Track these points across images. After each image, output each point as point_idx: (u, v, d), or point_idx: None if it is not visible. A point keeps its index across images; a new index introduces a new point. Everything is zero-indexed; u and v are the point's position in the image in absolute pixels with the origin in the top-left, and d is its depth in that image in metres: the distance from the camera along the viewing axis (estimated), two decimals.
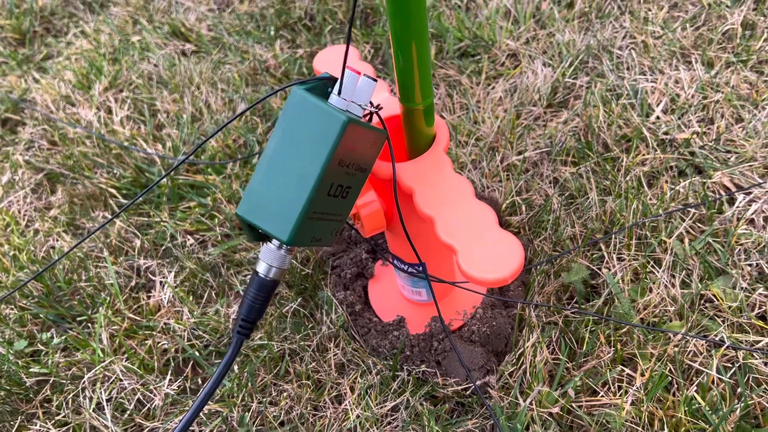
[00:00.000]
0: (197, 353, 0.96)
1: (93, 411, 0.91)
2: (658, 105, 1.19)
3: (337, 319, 0.94)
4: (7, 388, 0.95)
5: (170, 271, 1.05)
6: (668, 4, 1.39)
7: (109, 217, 1.15)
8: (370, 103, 0.71)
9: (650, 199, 1.04)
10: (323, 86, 0.68)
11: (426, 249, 0.84)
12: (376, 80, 0.68)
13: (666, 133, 1.14)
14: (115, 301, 1.03)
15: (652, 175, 1.09)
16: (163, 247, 1.10)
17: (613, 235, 0.99)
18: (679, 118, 1.16)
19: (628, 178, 1.07)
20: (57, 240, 1.14)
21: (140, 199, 1.17)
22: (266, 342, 0.94)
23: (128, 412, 0.91)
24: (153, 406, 0.92)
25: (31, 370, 0.97)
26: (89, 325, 1.01)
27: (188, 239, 1.10)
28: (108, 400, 0.92)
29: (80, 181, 1.22)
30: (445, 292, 0.96)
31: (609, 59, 1.28)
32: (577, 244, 0.99)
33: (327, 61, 0.90)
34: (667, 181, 1.07)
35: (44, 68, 1.51)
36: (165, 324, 0.99)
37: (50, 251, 1.12)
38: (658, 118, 1.18)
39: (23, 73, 1.50)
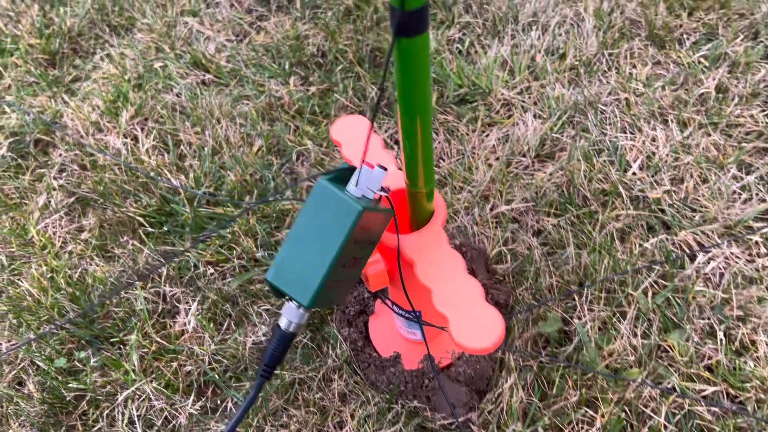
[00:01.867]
0: (217, 376, 1.10)
1: (125, 426, 1.05)
2: (635, 162, 1.33)
3: (341, 354, 1.08)
4: (50, 401, 1.08)
5: (194, 300, 1.19)
6: (652, 62, 1.52)
7: (137, 244, 1.28)
8: (381, 187, 0.84)
9: (621, 254, 1.18)
10: (343, 174, 0.82)
11: (421, 299, 0.97)
12: (386, 169, 0.81)
13: (641, 191, 1.27)
14: (144, 326, 1.16)
15: (624, 230, 1.22)
16: (188, 276, 1.23)
17: (586, 288, 1.13)
18: (653, 176, 1.30)
19: (602, 233, 1.21)
20: (89, 264, 1.27)
21: (165, 228, 1.30)
22: (278, 371, 1.07)
23: (156, 428, 1.05)
24: (178, 423, 1.06)
25: (70, 385, 1.10)
26: (121, 346, 1.15)
27: (209, 269, 1.23)
28: (138, 416, 1.06)
29: (110, 207, 1.35)
30: (436, 332, 1.09)
31: (594, 114, 1.42)
32: (554, 294, 1.13)
33: (343, 132, 1.02)
34: (637, 237, 1.21)
35: (73, 90, 1.63)
36: (189, 349, 1.12)
37: (84, 273, 1.25)
38: (634, 174, 1.31)
39: (53, 95, 1.61)
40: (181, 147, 1.45)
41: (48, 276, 1.25)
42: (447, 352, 1.08)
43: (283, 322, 0.82)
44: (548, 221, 1.25)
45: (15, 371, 1.14)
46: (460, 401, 1.01)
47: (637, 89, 1.46)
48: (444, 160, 1.39)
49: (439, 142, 1.42)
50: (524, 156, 1.37)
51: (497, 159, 1.37)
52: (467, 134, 1.43)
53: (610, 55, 1.54)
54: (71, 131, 1.51)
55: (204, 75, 1.61)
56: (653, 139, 1.36)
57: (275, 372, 0.96)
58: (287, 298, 0.79)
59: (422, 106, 0.75)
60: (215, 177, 1.38)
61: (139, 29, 1.76)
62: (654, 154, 1.34)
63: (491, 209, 1.28)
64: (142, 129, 1.48)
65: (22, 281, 1.24)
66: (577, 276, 1.16)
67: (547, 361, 1.05)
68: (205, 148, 1.43)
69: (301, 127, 1.47)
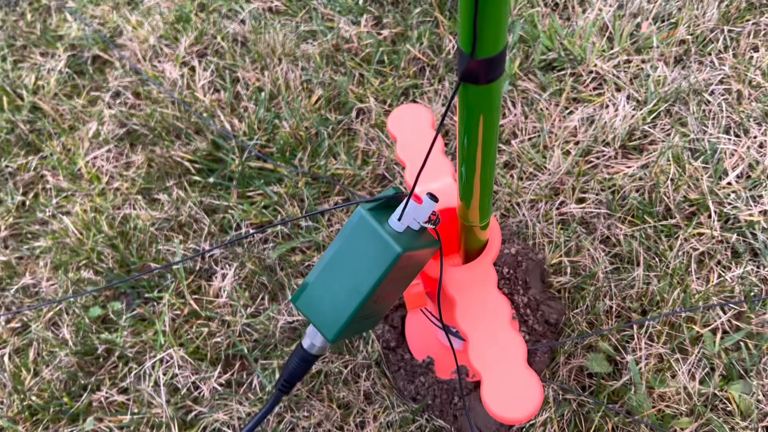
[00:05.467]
0: (246, 350, 1.08)
1: (150, 387, 1.05)
2: (733, 170, 1.17)
3: (372, 353, 1.03)
4: (82, 351, 1.09)
5: (231, 264, 1.15)
6: None
7: (182, 194, 1.23)
8: (429, 217, 0.75)
9: (695, 284, 1.05)
10: (388, 202, 0.73)
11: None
12: (437, 200, 0.71)
13: (734, 207, 1.12)
14: (179, 285, 1.13)
15: (705, 254, 1.09)
16: (228, 236, 1.18)
17: (648, 321, 1.02)
18: (751, 190, 1.14)
19: (680, 254, 1.08)
20: (132, 207, 1.23)
21: (211, 180, 1.25)
22: None
23: (180, 395, 1.05)
24: (201, 395, 1.05)
25: (102, 336, 1.10)
26: (155, 303, 1.13)
27: (251, 231, 1.18)
28: (164, 382, 1.06)
29: (159, 145, 1.29)
30: None
31: (696, 106, 1.24)
32: (611, 322, 1.03)
33: (401, 125, 0.91)
34: (718, 264, 1.08)
35: (136, 3, 1.54)
36: (221, 317, 1.10)
37: (126, 217, 1.22)
38: (729, 184, 1.15)
39: (115, 5, 1.53)
40: (238, 86, 1.36)
41: (92, 216, 1.22)
42: None
43: (306, 342, 0.78)
44: (621, 229, 1.12)
45: (51, 313, 1.14)
46: (488, 428, 0.95)
47: (754, 80, 1.26)
48: (516, 137, 1.26)
49: (515, 115, 1.28)
50: (608, 145, 1.22)
51: (577, 144, 1.23)
52: (547, 109, 1.28)
53: (730, 32, 1.33)
54: (129, 53, 1.43)
55: (271, 1, 1.49)
56: (761, 146, 1.19)
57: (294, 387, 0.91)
58: None
59: (487, 149, 0.63)
60: (270, 125, 1.30)
61: None
62: (758, 163, 1.17)
63: (559, 206, 1.16)
64: (200, 61, 1.40)
65: (64, 217, 1.23)
66: (641, 304, 1.05)
67: (589, 402, 0.97)
68: (263, 92, 1.33)
69: (367, 78, 1.35)
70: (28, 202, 1.27)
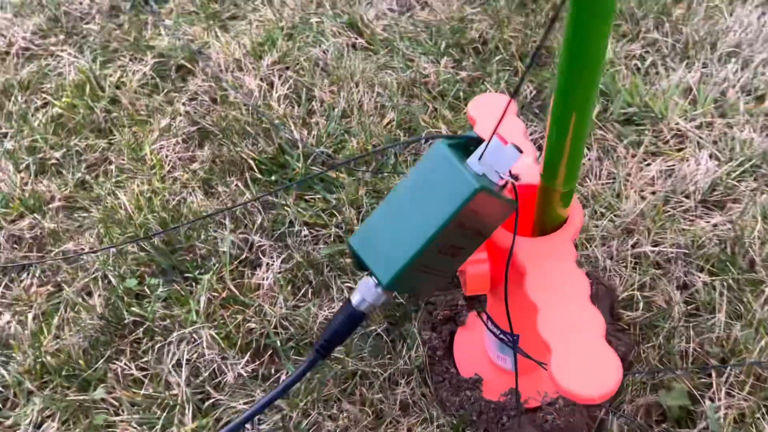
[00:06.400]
0: (279, 343, 1.00)
1: (172, 366, 0.97)
2: None
3: (415, 358, 0.94)
4: (109, 318, 1.03)
5: (279, 256, 1.09)
6: None
7: (241, 186, 1.21)
8: (509, 172, 0.68)
9: None
10: (467, 145, 0.67)
11: (523, 322, 0.81)
12: (521, 152, 0.65)
13: None
14: (222, 269, 1.08)
15: None
16: (280, 231, 1.14)
17: (729, 368, 0.91)
18: None
19: (766, 308, 0.98)
20: (190, 195, 1.21)
21: (273, 178, 1.22)
22: (343, 356, 0.95)
23: (201, 379, 0.96)
24: (224, 381, 0.96)
25: (132, 309, 1.04)
26: (193, 283, 1.07)
27: (304, 230, 1.13)
28: (187, 360, 0.98)
29: (227, 144, 1.29)
30: (531, 366, 0.92)
31: None
32: (687, 364, 0.92)
33: (482, 108, 0.88)
34: None
35: (227, 27, 1.60)
36: (259, 306, 1.03)
37: (182, 202, 1.20)
38: None
39: (208, 27, 1.60)
40: (313, 103, 1.37)
41: (147, 196, 1.20)
42: (538, 394, 0.90)
43: (355, 298, 0.69)
44: (700, 277, 1.03)
45: (86, 279, 1.09)
46: None
47: None
48: (590, 180, 1.21)
49: (590, 159, 1.24)
50: (687, 197, 1.15)
51: (653, 194, 1.16)
52: (625, 158, 1.23)
53: None
54: (213, 63, 1.47)
55: (356, 38, 1.53)
56: None
57: (333, 353, 0.83)
58: (367, 273, 0.67)
59: (591, 76, 0.59)
60: (337, 139, 1.29)
61: None
62: None
63: (633, 246, 1.08)
64: (280, 76, 1.42)
65: (121, 194, 1.21)
66: (721, 349, 0.93)
67: None
68: (336, 109, 1.33)
69: (440, 110, 1.34)
70: (89, 179, 1.27)
